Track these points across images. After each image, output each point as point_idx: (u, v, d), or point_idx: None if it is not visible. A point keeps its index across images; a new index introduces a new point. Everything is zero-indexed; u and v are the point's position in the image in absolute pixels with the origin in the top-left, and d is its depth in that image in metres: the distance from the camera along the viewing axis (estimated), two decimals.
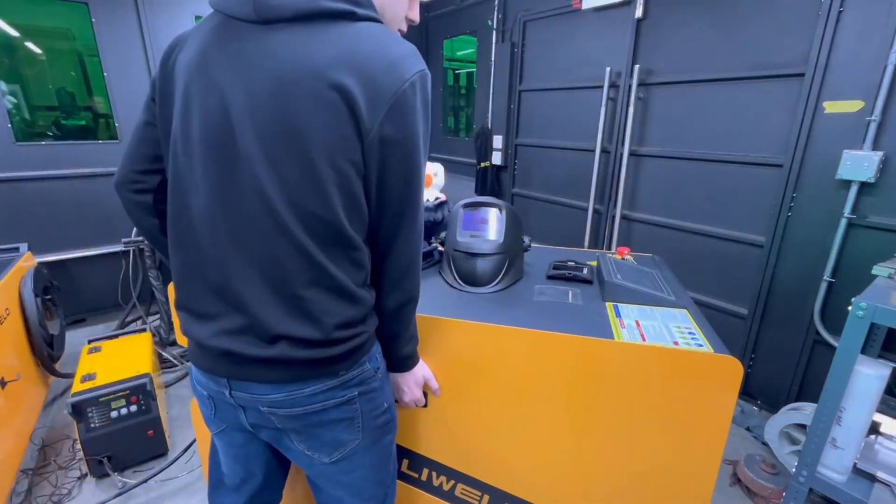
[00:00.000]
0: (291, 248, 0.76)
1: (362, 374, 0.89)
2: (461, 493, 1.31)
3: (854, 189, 1.95)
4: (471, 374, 1.19)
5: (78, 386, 1.90)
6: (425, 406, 1.22)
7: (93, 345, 2.29)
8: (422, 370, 1.11)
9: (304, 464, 0.94)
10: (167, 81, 0.81)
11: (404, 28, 0.92)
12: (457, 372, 1.19)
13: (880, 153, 1.85)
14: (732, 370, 1.00)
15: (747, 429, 2.33)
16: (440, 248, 1.51)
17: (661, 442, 1.10)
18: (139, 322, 3.21)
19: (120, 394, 1.91)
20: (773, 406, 2.32)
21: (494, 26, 3.80)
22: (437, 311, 1.19)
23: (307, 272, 0.78)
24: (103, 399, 1.88)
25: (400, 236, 0.85)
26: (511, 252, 1.37)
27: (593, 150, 3.12)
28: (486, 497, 1.29)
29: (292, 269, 0.77)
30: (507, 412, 1.20)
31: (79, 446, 1.91)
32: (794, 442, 2.04)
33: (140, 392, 1.95)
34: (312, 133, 0.71)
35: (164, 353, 2.80)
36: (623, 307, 1.24)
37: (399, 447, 1.27)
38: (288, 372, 0.82)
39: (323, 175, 0.73)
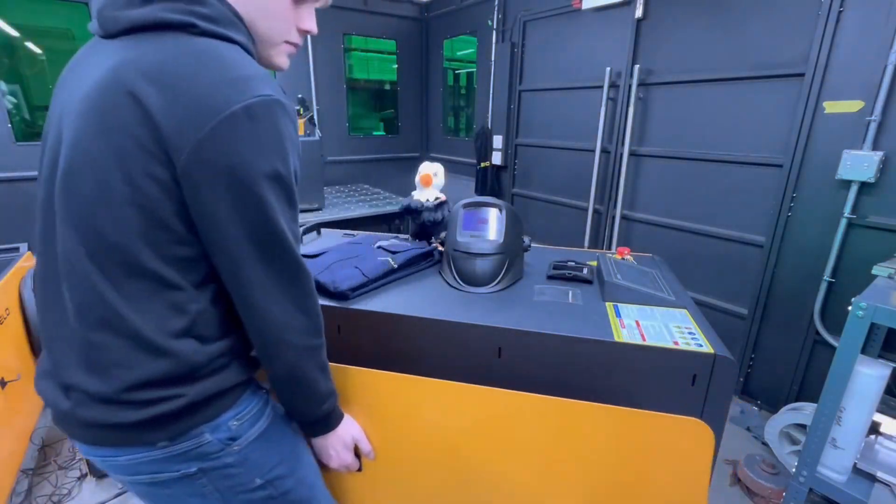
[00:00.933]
0: (77, 278, 0.67)
1: (199, 448, 0.75)
2: None
3: (854, 189, 1.95)
4: (412, 431, 1.06)
5: None
6: (359, 470, 1.07)
7: None
8: (350, 430, 0.96)
9: None
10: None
11: (296, 41, 0.82)
12: (394, 428, 1.06)
13: (880, 153, 1.85)
14: (703, 436, 0.90)
15: (747, 429, 2.33)
16: (440, 248, 1.51)
17: None
18: None
19: None
20: (773, 406, 2.31)
21: (494, 26, 3.80)
22: (437, 311, 1.19)
23: (94, 310, 0.68)
24: None
25: (257, 297, 0.72)
26: (511, 252, 1.37)
27: (593, 150, 3.12)
28: None
29: (82, 304, 0.68)
30: (456, 475, 1.07)
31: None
32: (794, 442, 2.04)
33: None
34: (107, 143, 0.64)
35: None
36: (623, 307, 1.24)
37: None
38: (89, 432, 0.72)
39: (115, 189, 0.64)
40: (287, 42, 0.81)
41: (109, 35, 0.69)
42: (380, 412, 1.05)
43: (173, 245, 0.68)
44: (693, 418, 0.90)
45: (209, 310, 0.73)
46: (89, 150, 0.65)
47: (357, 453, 1.02)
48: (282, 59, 0.83)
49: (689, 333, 1.09)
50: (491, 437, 1.04)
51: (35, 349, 2.20)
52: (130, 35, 0.67)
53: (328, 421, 0.90)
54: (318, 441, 0.92)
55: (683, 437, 0.92)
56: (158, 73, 0.63)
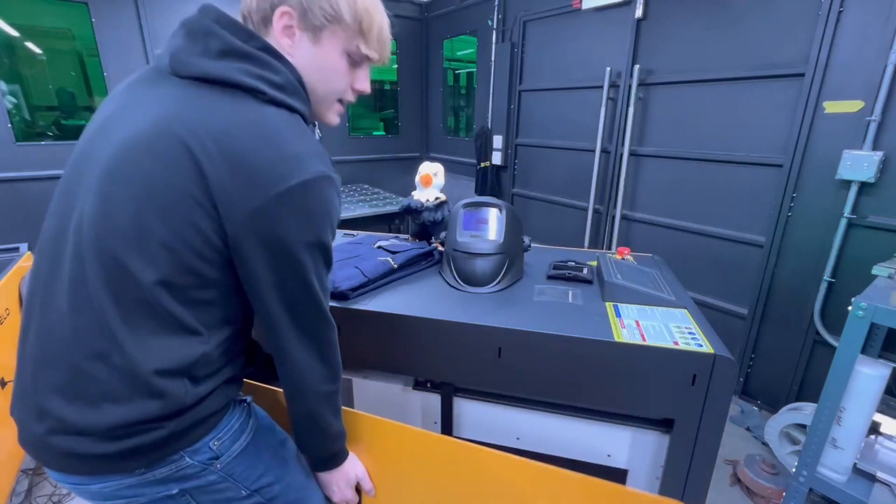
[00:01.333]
0: (84, 300, 0.66)
1: (179, 471, 0.74)
2: None
3: (854, 189, 1.95)
4: (409, 480, 1.06)
5: None
6: None
7: None
8: (353, 468, 0.98)
9: None
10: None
11: (350, 99, 0.87)
12: (394, 475, 1.06)
13: (880, 153, 1.85)
14: None
15: (747, 429, 2.33)
16: (440, 248, 1.51)
17: None
18: None
19: None
20: (773, 406, 2.31)
21: (494, 26, 3.80)
22: (437, 311, 1.19)
23: (95, 337, 0.66)
24: None
25: (286, 344, 0.77)
26: (511, 252, 1.37)
27: (593, 150, 3.12)
28: None
29: (82, 329, 0.67)
30: None
31: None
32: (794, 442, 2.04)
33: None
34: (152, 184, 0.65)
35: None
36: (623, 307, 1.24)
37: None
38: (60, 460, 0.69)
39: (151, 227, 0.65)
40: (339, 101, 0.86)
41: (177, 74, 0.71)
42: (381, 457, 1.06)
43: (195, 289, 0.70)
44: (672, 500, 0.88)
45: (209, 353, 0.73)
46: (131, 184, 0.66)
47: (358, 489, 1.04)
48: (333, 116, 0.88)
49: (689, 333, 1.10)
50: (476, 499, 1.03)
51: None
52: (199, 83, 0.69)
53: (336, 459, 0.93)
54: (324, 476, 0.95)
55: None
56: (220, 136, 0.65)
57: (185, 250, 0.66)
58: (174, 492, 0.76)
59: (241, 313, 0.79)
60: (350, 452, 0.97)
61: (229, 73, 0.69)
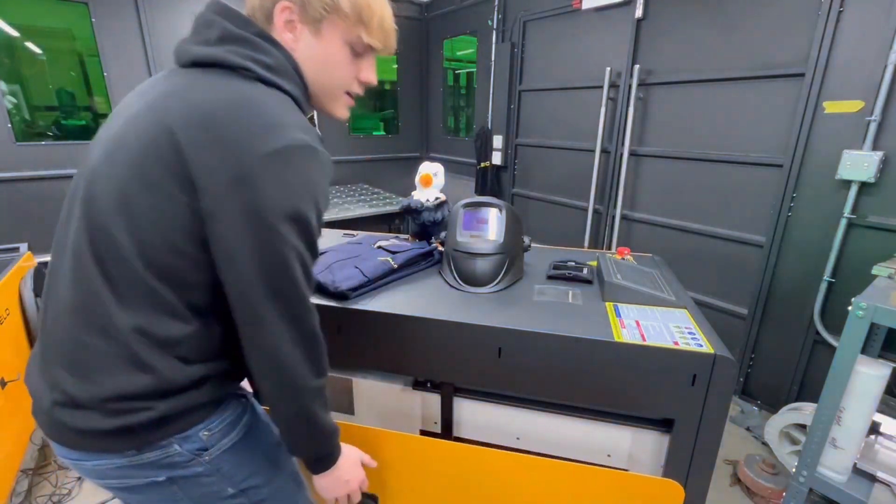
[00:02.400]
0: (81, 275, 0.69)
1: (168, 458, 0.74)
2: None
3: (854, 189, 1.95)
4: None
5: None
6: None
7: None
8: (351, 468, 0.91)
9: None
10: None
11: (356, 91, 0.86)
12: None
13: (880, 153, 1.85)
14: (674, 496, 0.89)
15: (747, 429, 2.33)
16: (440, 248, 1.51)
17: None
18: None
19: None
20: (773, 406, 2.31)
21: (494, 26, 3.80)
22: (437, 311, 1.19)
23: (92, 311, 0.69)
24: None
25: (268, 335, 0.71)
26: (511, 252, 1.37)
27: (593, 150, 3.12)
28: None
29: (81, 303, 0.69)
30: None
31: None
32: (794, 442, 2.04)
33: None
34: (137, 159, 0.67)
35: None
36: (623, 307, 1.24)
37: None
38: (61, 433, 0.72)
39: (135, 198, 0.66)
40: (347, 93, 0.85)
41: (181, 65, 0.75)
42: (387, 468, 1.05)
43: (179, 270, 0.69)
44: (668, 480, 0.89)
45: (198, 336, 0.73)
46: (118, 163, 0.68)
47: (373, 494, 1.01)
48: (341, 109, 0.87)
49: (689, 333, 1.09)
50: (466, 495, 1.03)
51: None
52: (195, 68, 0.72)
53: (332, 457, 0.87)
54: (321, 479, 0.88)
55: (656, 498, 0.92)
56: (200, 110, 0.66)
57: (166, 223, 0.67)
58: (161, 479, 0.75)
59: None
60: (343, 446, 0.91)
61: (219, 54, 0.70)
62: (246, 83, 0.70)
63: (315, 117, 3.73)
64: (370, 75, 0.85)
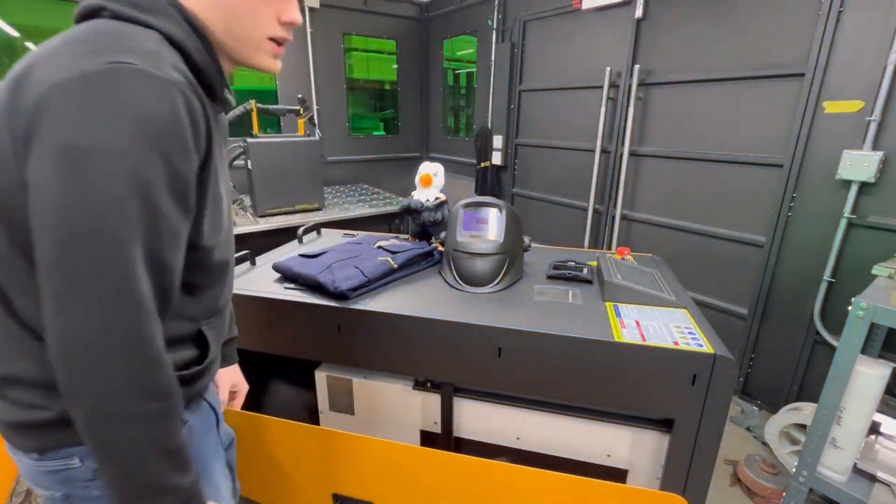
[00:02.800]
0: None
1: (67, 470, 0.66)
2: None
3: (854, 189, 1.95)
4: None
5: None
6: None
7: None
8: None
9: None
10: None
11: (280, 35, 0.72)
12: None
13: (880, 153, 1.85)
14: None
15: (747, 429, 2.33)
16: (440, 248, 1.51)
17: None
18: None
19: None
20: (773, 406, 2.31)
21: (494, 26, 3.80)
22: (437, 311, 1.19)
23: None
24: None
25: (50, 303, 0.53)
26: (511, 252, 1.37)
27: (593, 150, 3.12)
28: None
29: None
30: None
31: None
32: (794, 442, 2.04)
33: None
34: None
35: None
36: (623, 307, 1.24)
37: None
38: None
39: None
40: (271, 39, 0.71)
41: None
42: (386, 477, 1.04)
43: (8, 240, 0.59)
44: (672, 494, 0.88)
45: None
46: None
47: None
48: (266, 60, 0.73)
49: (689, 333, 1.10)
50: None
51: None
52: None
53: None
54: None
55: None
56: (31, 62, 0.57)
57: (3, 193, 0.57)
58: (58, 495, 0.68)
59: None
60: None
61: (82, 4, 0.63)
62: (95, 22, 0.61)
63: (315, 116, 3.73)
64: (293, 13, 0.71)
